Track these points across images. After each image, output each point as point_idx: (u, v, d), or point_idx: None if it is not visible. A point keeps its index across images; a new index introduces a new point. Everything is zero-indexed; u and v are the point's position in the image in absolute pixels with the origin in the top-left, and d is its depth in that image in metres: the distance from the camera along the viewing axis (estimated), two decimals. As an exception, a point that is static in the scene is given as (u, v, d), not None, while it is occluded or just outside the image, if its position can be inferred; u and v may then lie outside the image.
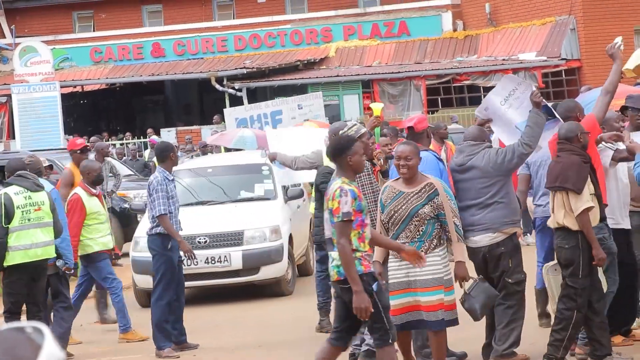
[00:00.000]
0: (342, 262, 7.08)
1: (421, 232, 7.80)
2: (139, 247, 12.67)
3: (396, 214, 7.85)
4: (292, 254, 13.35)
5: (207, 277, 12.75)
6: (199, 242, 12.67)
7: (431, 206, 7.80)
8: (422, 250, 7.71)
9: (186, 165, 14.75)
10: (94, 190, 10.84)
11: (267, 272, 12.84)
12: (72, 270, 10.24)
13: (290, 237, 13.31)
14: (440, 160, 8.87)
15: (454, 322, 7.82)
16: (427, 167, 8.57)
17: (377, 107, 10.03)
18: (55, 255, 9.87)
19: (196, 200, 13.75)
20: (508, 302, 8.40)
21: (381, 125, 10.90)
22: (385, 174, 9.52)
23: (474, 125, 9.19)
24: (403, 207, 7.83)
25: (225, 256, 12.70)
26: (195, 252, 11.62)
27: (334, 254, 7.18)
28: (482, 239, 8.41)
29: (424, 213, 7.78)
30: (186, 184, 13.98)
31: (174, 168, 11.00)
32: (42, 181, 10.37)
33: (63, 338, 9.99)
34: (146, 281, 12.56)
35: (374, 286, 7.07)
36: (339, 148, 7.20)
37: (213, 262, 12.70)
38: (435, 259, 7.76)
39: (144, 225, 12.96)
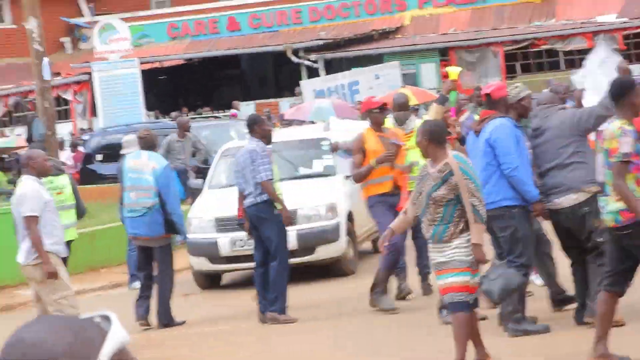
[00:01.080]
0: (624, 200, 7.00)
1: (441, 215, 7.51)
2: (193, 228, 12.59)
3: (420, 196, 7.67)
4: (352, 231, 12.93)
5: (251, 259, 12.38)
6: (232, 223, 12.16)
7: (447, 188, 7.49)
8: (446, 235, 7.48)
9: (239, 143, 14.17)
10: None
11: (323, 252, 12.45)
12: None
13: (351, 215, 12.86)
14: (518, 126, 8.81)
15: (476, 303, 7.62)
16: (501, 133, 8.58)
17: (454, 71, 10.00)
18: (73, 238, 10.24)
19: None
20: (601, 260, 8.35)
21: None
22: (462, 141, 9.51)
23: (544, 91, 9.18)
24: (424, 189, 7.61)
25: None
26: (243, 234, 11.65)
27: (607, 200, 7.13)
28: (564, 201, 8.42)
29: (437, 195, 7.49)
30: (226, 164, 13.66)
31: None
32: (155, 155, 10.66)
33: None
34: (203, 263, 12.62)
35: None
36: (622, 88, 7.22)
37: (242, 245, 12.31)
38: (461, 241, 7.47)
39: (199, 206, 13.04)
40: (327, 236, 12.39)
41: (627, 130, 6.96)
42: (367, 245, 14.18)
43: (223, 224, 12.63)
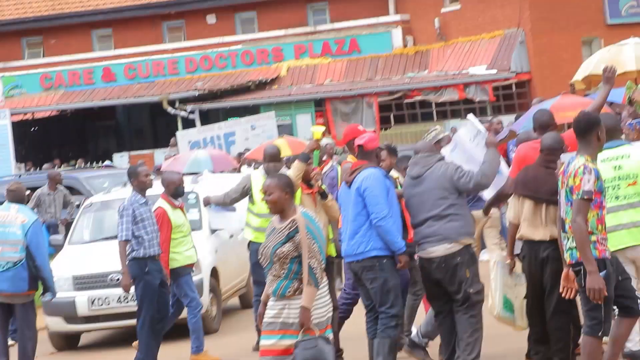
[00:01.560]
0: (577, 241, 6.98)
1: (286, 270, 7.35)
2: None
3: (264, 251, 7.48)
4: (215, 288, 12.65)
5: (120, 317, 12.12)
6: (111, 280, 12.11)
7: (292, 245, 7.34)
8: (290, 291, 7.31)
9: (105, 197, 13.85)
10: (176, 203, 10.79)
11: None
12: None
13: (215, 271, 12.62)
14: (389, 177, 8.92)
15: None
16: (371, 182, 8.66)
17: (317, 131, 10.06)
18: None
19: (114, 234, 12.88)
20: (471, 312, 8.48)
21: (321, 149, 10.91)
22: (324, 196, 9.54)
23: (420, 141, 9.33)
24: (269, 245, 7.46)
25: None
26: (108, 290, 11.75)
27: (565, 236, 7.11)
28: (438, 249, 8.49)
29: (282, 252, 7.33)
30: (104, 217, 13.38)
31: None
32: (24, 209, 10.36)
33: None
34: (59, 323, 12.34)
35: (603, 273, 6.95)
36: (588, 124, 7.18)
37: (126, 301, 12.01)
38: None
39: (57, 263, 12.55)
40: None
41: (590, 168, 7.06)
42: (233, 302, 13.92)
43: (81, 282, 12.30)
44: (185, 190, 12.81)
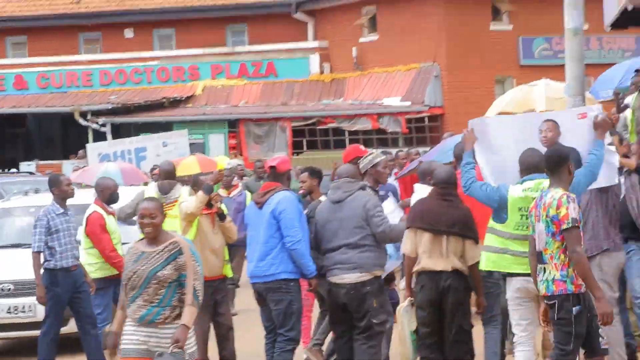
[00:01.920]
0: (580, 271, 6.99)
1: (160, 297, 7.13)
2: None
3: (135, 275, 7.19)
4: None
5: (10, 328, 11.69)
6: (2, 290, 11.75)
7: (173, 267, 7.15)
8: (161, 318, 7.11)
9: (5, 204, 13.54)
10: (109, 209, 10.54)
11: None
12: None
13: None
14: (301, 201, 8.97)
15: None
16: (287, 205, 8.68)
17: (221, 162, 10.10)
18: None
19: (11, 242, 12.68)
20: (370, 342, 8.54)
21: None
22: (222, 217, 9.55)
23: (344, 165, 9.34)
24: (142, 268, 7.18)
25: (30, 305, 11.56)
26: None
27: (543, 267, 7.09)
28: (350, 277, 8.56)
29: (163, 275, 7.12)
30: (3, 224, 13.09)
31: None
32: None
33: None
34: None
35: (577, 309, 7.06)
36: (560, 159, 7.24)
37: (17, 311, 11.67)
38: (175, 329, 7.10)
39: None
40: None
41: (573, 197, 7.17)
42: None
43: None
44: (87, 204, 12.60)
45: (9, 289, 11.64)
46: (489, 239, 8.17)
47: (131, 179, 19.52)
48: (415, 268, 8.32)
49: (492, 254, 8.13)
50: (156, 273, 7.11)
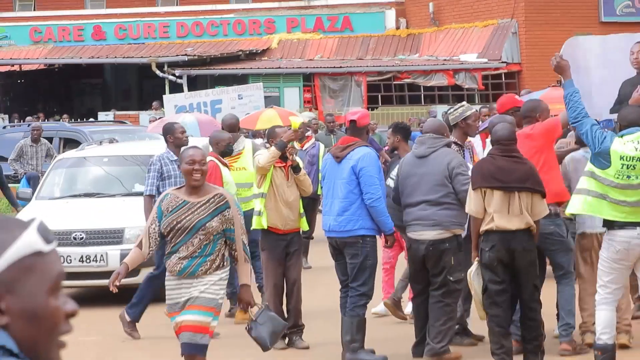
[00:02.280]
0: None
1: (203, 248, 6.96)
2: None
3: (178, 225, 6.98)
4: None
5: (81, 277, 11.61)
6: (75, 239, 11.70)
7: (220, 219, 6.94)
8: (202, 270, 6.92)
9: (79, 153, 13.36)
10: (225, 161, 10.64)
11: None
12: None
13: None
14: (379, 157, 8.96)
15: (205, 349, 6.98)
16: (369, 162, 8.67)
17: (295, 122, 10.04)
18: None
19: (84, 192, 12.71)
20: (446, 300, 8.48)
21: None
22: (296, 169, 9.53)
23: (432, 118, 9.27)
24: (187, 218, 6.97)
25: (102, 255, 11.62)
26: (70, 249, 11.44)
27: None
28: (428, 233, 8.50)
29: (211, 227, 6.93)
30: (77, 174, 13.05)
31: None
32: None
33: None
34: None
35: None
36: None
37: (88, 260, 11.65)
38: (214, 278, 6.93)
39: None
40: (153, 258, 11.18)
41: None
42: None
43: None
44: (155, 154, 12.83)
45: (82, 237, 11.67)
46: (588, 183, 7.94)
47: (208, 131, 19.56)
48: (486, 227, 8.08)
49: (592, 198, 7.91)
50: (205, 224, 6.93)
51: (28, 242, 1.78)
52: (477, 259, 8.21)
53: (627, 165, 7.73)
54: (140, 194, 12.09)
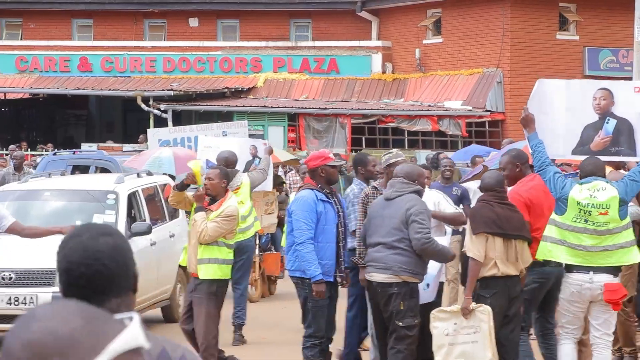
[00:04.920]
0: None
1: None
2: None
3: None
4: None
5: (9, 320, 10.42)
6: (3, 279, 10.82)
7: None
8: None
9: (19, 186, 12.74)
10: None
11: None
12: None
13: None
14: (327, 201, 8.78)
15: None
16: (298, 205, 8.74)
17: (195, 166, 10.10)
18: None
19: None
20: (397, 347, 8.40)
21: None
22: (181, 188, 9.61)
23: (409, 163, 9.31)
24: None
25: (32, 297, 10.79)
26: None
27: None
28: (377, 276, 8.49)
29: None
30: (15, 208, 11.88)
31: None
32: None
33: None
34: None
35: None
36: None
37: (17, 302, 10.77)
38: None
39: None
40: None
41: None
42: (153, 313, 12.96)
43: None
44: (107, 189, 12.21)
45: (10, 277, 10.89)
46: (549, 230, 8.30)
47: (185, 167, 18.66)
48: (489, 273, 8.15)
49: (551, 244, 8.28)
50: None
51: (132, 336, 1.77)
52: (471, 304, 8.17)
53: (584, 210, 8.12)
54: None
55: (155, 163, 18.07)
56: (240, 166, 12.63)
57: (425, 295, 8.69)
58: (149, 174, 13.49)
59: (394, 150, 9.79)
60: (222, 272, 9.27)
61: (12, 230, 8.76)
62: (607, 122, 8.48)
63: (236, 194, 11.01)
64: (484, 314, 8.13)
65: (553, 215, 8.30)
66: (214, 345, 9.20)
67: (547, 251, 8.30)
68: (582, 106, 8.62)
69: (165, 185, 13.38)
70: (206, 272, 9.28)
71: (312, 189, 8.79)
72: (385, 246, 8.43)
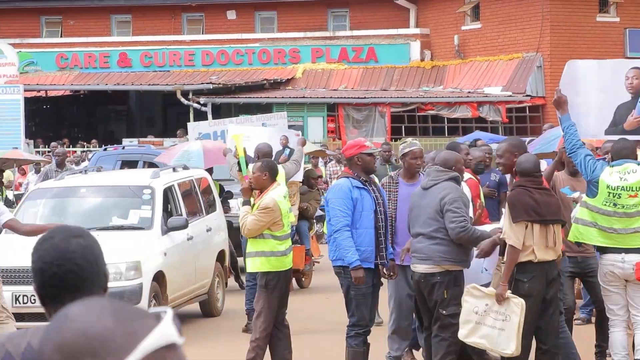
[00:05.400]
0: None
1: None
2: None
3: None
4: (159, 294, 11.27)
5: (41, 318, 10.16)
6: None
7: None
8: None
9: (56, 184, 12.64)
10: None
11: None
12: None
13: (162, 275, 11.31)
14: (363, 187, 8.70)
15: None
16: (333, 194, 8.72)
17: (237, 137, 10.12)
18: None
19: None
20: (442, 334, 8.42)
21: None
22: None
23: (445, 150, 9.25)
24: None
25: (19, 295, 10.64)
26: (29, 287, 10.17)
27: None
28: (419, 266, 8.52)
29: None
30: (51, 205, 12.10)
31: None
32: None
33: None
34: None
35: None
36: None
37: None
38: None
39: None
40: (125, 298, 10.55)
41: None
42: (191, 308, 12.88)
43: (6, 276, 10.58)
44: (142, 184, 12.09)
45: None
46: (581, 212, 8.39)
47: (214, 160, 17.01)
48: (526, 259, 8.09)
49: (582, 226, 8.36)
50: None
51: (164, 333, 1.78)
52: (508, 291, 8.12)
53: (613, 194, 8.18)
54: (118, 227, 11.66)
55: (184, 157, 17.67)
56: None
57: (484, 277, 8.68)
58: (185, 168, 13.47)
59: (409, 139, 9.75)
60: (270, 264, 9.23)
61: (9, 226, 8.89)
62: None
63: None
64: (518, 306, 8.06)
65: (585, 198, 8.38)
66: (263, 338, 9.20)
67: (579, 233, 8.39)
68: (615, 86, 8.58)
69: (201, 179, 13.37)
70: (252, 265, 9.35)
71: (347, 177, 8.78)
72: (425, 237, 8.44)
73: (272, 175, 9.31)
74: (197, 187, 13.12)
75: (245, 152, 10.93)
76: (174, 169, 13.17)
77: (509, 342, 8.06)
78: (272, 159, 12.24)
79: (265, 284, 9.23)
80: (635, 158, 8.41)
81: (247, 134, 13.62)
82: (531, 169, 8.28)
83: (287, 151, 13.45)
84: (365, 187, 8.71)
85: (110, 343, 1.73)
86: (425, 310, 8.66)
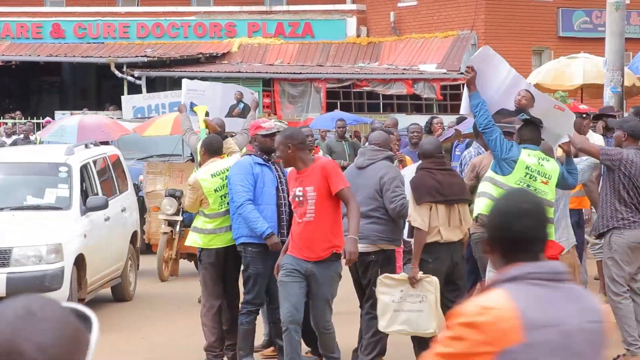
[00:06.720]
0: None
1: None
2: None
3: None
4: (80, 278, 10.75)
5: None
6: None
7: None
8: None
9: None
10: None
11: None
12: None
13: (81, 258, 10.72)
14: (265, 164, 8.74)
15: None
16: (234, 170, 8.73)
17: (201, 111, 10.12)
18: None
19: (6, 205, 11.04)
20: (373, 312, 8.43)
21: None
22: None
23: (379, 130, 9.31)
24: None
25: None
26: None
27: None
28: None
29: None
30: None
31: None
32: None
33: None
34: None
35: None
36: None
37: None
38: None
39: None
40: (47, 282, 10.16)
41: None
42: (104, 293, 12.18)
43: None
44: (57, 161, 11.45)
45: None
46: (488, 187, 8.34)
47: (88, 136, 15.43)
48: (432, 240, 8.21)
49: (488, 200, 8.27)
50: None
51: (95, 339, 1.86)
52: (419, 272, 8.22)
53: (530, 175, 8.28)
54: (34, 207, 11.09)
55: (59, 132, 17.17)
56: (223, 110, 12.59)
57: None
58: (96, 144, 12.83)
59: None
60: (201, 241, 9.12)
61: None
62: (521, 117, 8.57)
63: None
64: (432, 284, 8.16)
65: (491, 174, 8.36)
66: (203, 314, 9.08)
67: (486, 207, 8.36)
68: (508, 93, 8.66)
69: (113, 155, 12.86)
70: (189, 240, 9.35)
71: (250, 154, 8.89)
72: (362, 215, 8.38)
73: (208, 151, 9.29)
74: (110, 164, 12.59)
75: (206, 123, 10.84)
76: (86, 145, 12.41)
77: (430, 322, 8.15)
78: (225, 112, 12.19)
79: (198, 259, 9.30)
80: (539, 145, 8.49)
81: (202, 88, 13.59)
82: (433, 150, 8.41)
83: (242, 105, 13.38)
84: (268, 165, 8.74)
85: (79, 343, 1.80)
86: (358, 289, 8.69)
